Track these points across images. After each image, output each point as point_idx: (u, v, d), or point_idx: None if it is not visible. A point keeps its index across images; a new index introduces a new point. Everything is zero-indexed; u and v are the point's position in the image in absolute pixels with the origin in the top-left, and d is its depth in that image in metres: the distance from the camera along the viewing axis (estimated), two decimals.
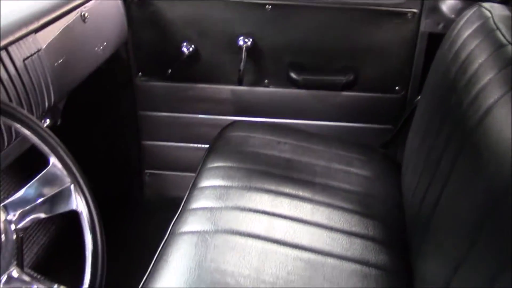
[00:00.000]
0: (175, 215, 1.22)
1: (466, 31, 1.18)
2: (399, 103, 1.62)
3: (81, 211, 0.76)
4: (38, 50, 1.08)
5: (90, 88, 1.47)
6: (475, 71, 1.03)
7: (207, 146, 1.50)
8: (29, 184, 0.76)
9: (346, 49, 1.55)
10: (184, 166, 1.78)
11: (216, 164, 1.35)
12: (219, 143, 1.46)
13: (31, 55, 1.06)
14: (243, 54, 1.56)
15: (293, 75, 1.58)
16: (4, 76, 0.98)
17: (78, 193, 0.75)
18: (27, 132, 0.73)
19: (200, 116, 1.71)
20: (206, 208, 1.19)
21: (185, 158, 1.78)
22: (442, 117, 1.15)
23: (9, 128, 0.92)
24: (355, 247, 1.12)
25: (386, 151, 1.59)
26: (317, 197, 1.26)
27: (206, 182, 1.29)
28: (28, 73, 1.03)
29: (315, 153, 1.43)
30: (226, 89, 1.66)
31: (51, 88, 1.12)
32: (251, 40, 1.55)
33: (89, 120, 1.20)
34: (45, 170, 0.76)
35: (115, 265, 0.95)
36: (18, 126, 0.72)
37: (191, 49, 1.59)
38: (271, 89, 1.65)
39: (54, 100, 1.13)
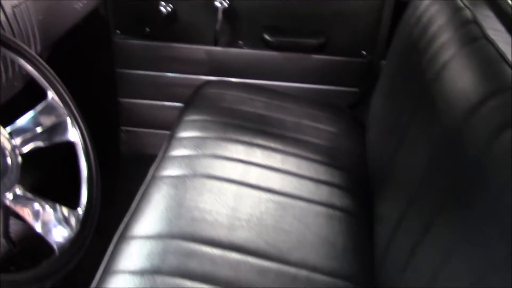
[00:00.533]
0: (152, 164, 1.29)
1: None
2: (365, 66, 1.72)
3: (77, 142, 0.83)
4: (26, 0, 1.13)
5: (71, 44, 1.51)
6: (434, 32, 1.13)
7: (181, 104, 1.56)
8: (28, 113, 0.82)
9: (317, 13, 1.63)
10: (159, 124, 1.84)
11: (193, 118, 1.43)
12: (195, 99, 1.53)
13: (20, 4, 1.10)
14: (219, 15, 1.62)
15: (267, 36, 1.65)
16: None
17: (74, 125, 0.82)
18: (28, 66, 0.79)
19: (176, 75, 1.77)
20: (185, 155, 1.27)
21: (161, 116, 1.84)
22: (404, 76, 1.26)
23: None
24: (321, 192, 1.23)
25: (352, 111, 1.70)
26: (288, 149, 1.35)
27: (184, 133, 1.36)
28: (17, 20, 1.07)
29: (286, 110, 1.52)
30: (202, 49, 1.72)
31: (37, 37, 1.17)
32: (227, 1, 1.62)
33: (70, 74, 1.24)
34: (44, 102, 0.82)
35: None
36: (20, 59, 0.78)
37: (169, 8, 1.64)
38: (245, 51, 1.72)
39: (40, 50, 1.18)
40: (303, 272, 1.01)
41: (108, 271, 0.96)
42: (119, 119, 1.86)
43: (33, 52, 0.82)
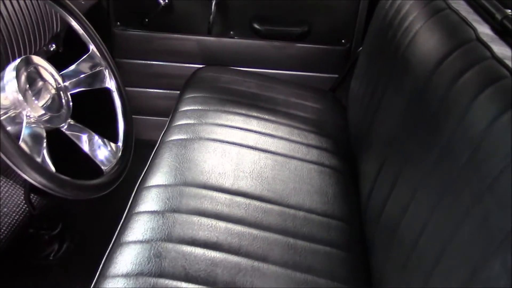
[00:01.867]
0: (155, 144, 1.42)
1: None
2: (344, 54, 1.90)
3: (112, 88, 0.98)
4: None
5: (75, 36, 1.65)
6: (406, 11, 1.31)
7: (177, 92, 1.71)
8: (76, 63, 0.97)
9: (301, 4, 1.81)
10: (157, 111, 1.98)
11: (193, 95, 1.58)
12: (194, 81, 1.69)
13: None
14: (213, 7, 1.79)
15: (256, 25, 1.82)
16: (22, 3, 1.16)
17: (110, 75, 0.98)
18: (74, 22, 0.94)
19: (172, 64, 1.92)
20: (189, 123, 1.41)
21: (159, 103, 1.98)
22: (380, 54, 1.43)
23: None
24: (312, 153, 1.39)
25: (333, 94, 1.87)
26: (280, 120, 1.51)
27: (187, 107, 1.51)
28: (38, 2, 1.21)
29: (276, 90, 1.69)
30: (196, 39, 1.88)
31: (54, 17, 1.30)
32: None
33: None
34: (87, 54, 0.97)
35: None
36: (68, 17, 0.93)
37: (166, 1, 1.80)
38: (236, 40, 1.88)
39: (56, 28, 1.31)
40: (301, 213, 1.17)
41: (131, 213, 1.10)
42: None
43: (78, 12, 0.96)
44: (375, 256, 1.06)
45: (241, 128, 1.42)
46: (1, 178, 1.54)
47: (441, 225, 0.79)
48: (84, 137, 0.96)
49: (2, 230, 1.49)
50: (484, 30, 1.01)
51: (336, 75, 1.93)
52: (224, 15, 1.84)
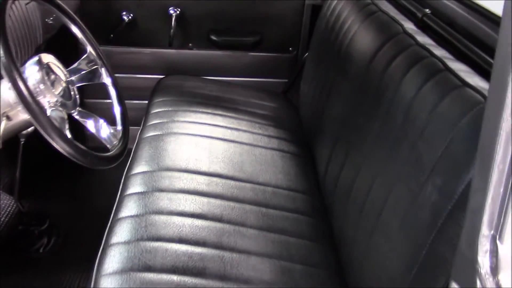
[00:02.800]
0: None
1: None
2: (292, 60, 2.13)
3: (107, 83, 1.16)
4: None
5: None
6: (346, 15, 1.55)
7: (144, 102, 1.86)
8: (78, 61, 1.13)
9: (252, 16, 2.02)
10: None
11: (161, 99, 1.75)
12: (160, 88, 1.85)
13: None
14: (173, 22, 1.97)
15: (213, 37, 2.02)
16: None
17: (105, 73, 1.15)
18: (72, 26, 1.10)
19: (137, 76, 2.08)
20: (162, 122, 1.58)
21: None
22: (324, 56, 1.66)
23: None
24: (273, 142, 1.59)
25: (285, 96, 2.09)
26: (241, 116, 1.71)
27: (157, 109, 1.68)
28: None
29: (235, 92, 1.88)
30: (158, 52, 2.05)
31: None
32: (179, 9, 1.97)
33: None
34: (85, 55, 1.14)
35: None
36: (69, 23, 1.09)
37: (130, 17, 1.97)
38: (194, 51, 2.07)
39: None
40: (269, 188, 1.36)
41: (123, 195, 1.25)
42: None
43: (79, 20, 1.14)
44: (335, 218, 1.26)
45: (209, 124, 1.60)
46: None
47: (388, 174, 1.01)
48: (91, 121, 1.12)
49: None
50: (409, 25, 1.25)
51: (286, 80, 2.15)
52: (184, 29, 2.02)
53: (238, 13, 2.01)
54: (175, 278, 1.01)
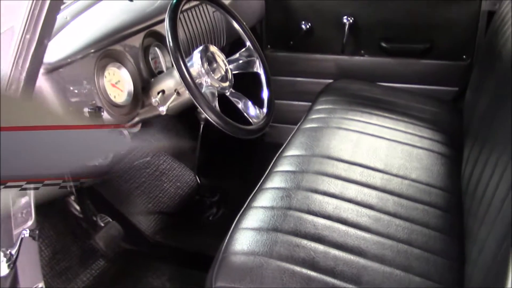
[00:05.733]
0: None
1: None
2: (465, 68, 2.10)
3: (260, 73, 1.42)
4: None
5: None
6: None
7: (308, 104, 2.03)
8: (238, 53, 1.43)
9: (423, 24, 2.07)
10: (287, 120, 2.32)
11: (325, 98, 1.92)
12: (327, 89, 2.02)
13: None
14: (346, 30, 2.14)
15: (384, 44, 2.13)
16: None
17: (260, 63, 1.41)
18: (237, 26, 1.39)
19: (310, 80, 2.29)
20: (320, 117, 1.75)
21: (294, 113, 2.32)
22: (494, 63, 1.62)
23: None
24: (423, 142, 1.63)
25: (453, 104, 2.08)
26: (398, 117, 1.77)
27: (320, 106, 1.86)
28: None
29: (398, 96, 1.95)
30: (331, 58, 2.23)
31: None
32: (352, 18, 2.13)
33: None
34: (245, 48, 1.43)
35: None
36: (234, 22, 1.38)
37: (308, 26, 2.19)
38: (364, 58, 2.20)
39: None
40: (406, 181, 1.43)
41: (272, 171, 1.46)
42: None
43: (242, 20, 1.42)
44: (471, 217, 1.25)
45: (362, 121, 1.72)
46: (176, 163, 2.03)
47: None
48: (241, 101, 1.38)
49: (176, 198, 1.96)
50: None
51: (456, 88, 2.14)
52: (356, 37, 2.17)
53: (409, 21, 2.08)
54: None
